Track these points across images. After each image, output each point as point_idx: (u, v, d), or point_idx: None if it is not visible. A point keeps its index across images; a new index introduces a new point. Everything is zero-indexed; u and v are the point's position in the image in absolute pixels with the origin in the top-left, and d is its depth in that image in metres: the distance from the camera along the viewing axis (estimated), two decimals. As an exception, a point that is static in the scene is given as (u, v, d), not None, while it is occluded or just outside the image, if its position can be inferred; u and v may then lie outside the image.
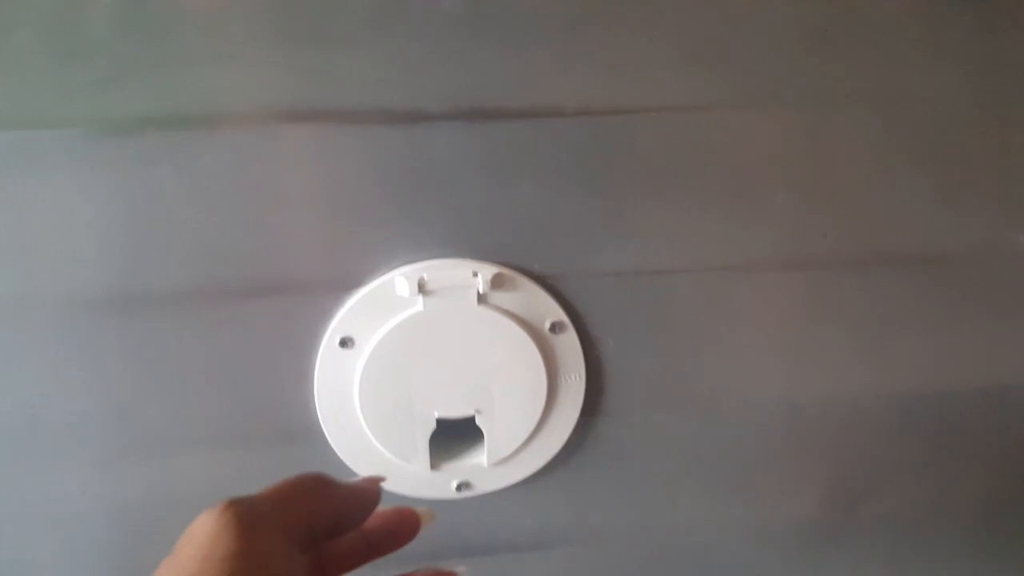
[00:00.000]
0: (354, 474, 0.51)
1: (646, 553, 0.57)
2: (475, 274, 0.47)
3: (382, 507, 0.34)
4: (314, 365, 0.48)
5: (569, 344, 0.50)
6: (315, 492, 0.30)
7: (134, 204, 0.43)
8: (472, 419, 0.50)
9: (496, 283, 0.47)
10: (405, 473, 0.51)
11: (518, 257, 0.48)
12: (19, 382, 0.46)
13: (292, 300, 0.47)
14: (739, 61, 0.45)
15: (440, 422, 0.50)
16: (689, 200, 0.49)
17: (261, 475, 0.50)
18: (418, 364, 0.48)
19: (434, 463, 0.51)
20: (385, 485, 0.51)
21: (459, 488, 0.52)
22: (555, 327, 0.50)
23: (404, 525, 0.35)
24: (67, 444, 0.47)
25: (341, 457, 0.50)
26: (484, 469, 0.52)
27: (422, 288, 0.46)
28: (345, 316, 0.47)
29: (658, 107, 0.46)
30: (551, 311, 0.49)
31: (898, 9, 0.46)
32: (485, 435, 0.50)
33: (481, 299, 0.47)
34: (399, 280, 0.46)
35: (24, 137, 0.41)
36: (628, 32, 0.44)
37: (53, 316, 0.44)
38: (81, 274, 0.44)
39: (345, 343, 0.48)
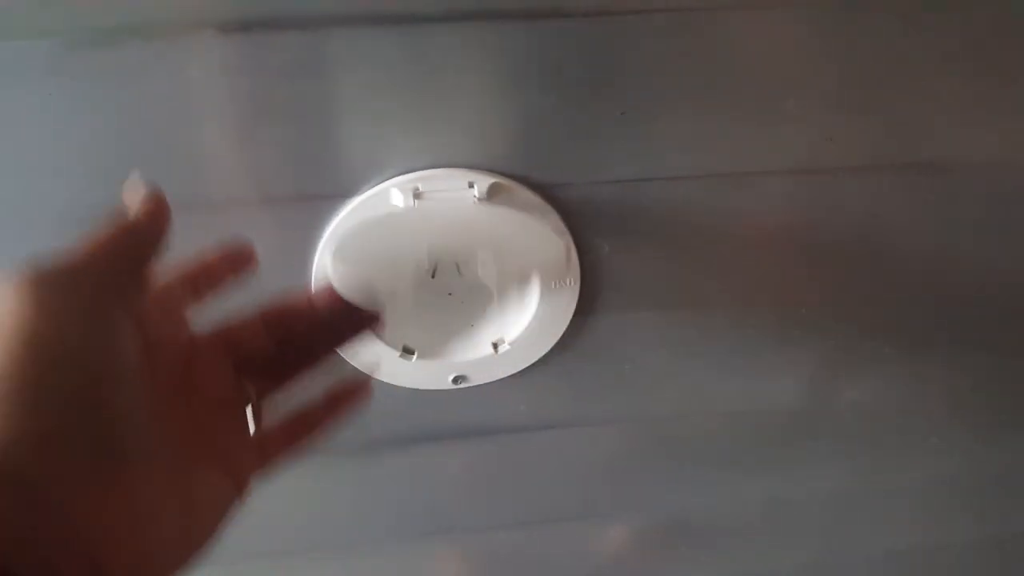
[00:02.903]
0: (356, 370, 0.53)
1: (634, 437, 0.60)
2: (471, 184, 0.46)
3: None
4: (310, 274, 0.48)
5: (564, 250, 0.50)
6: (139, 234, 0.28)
7: (121, 115, 0.41)
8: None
9: (492, 192, 0.47)
10: (406, 370, 0.53)
11: (517, 166, 0.47)
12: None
13: (283, 211, 0.46)
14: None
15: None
16: (695, 106, 0.47)
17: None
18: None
19: (429, 352, 0.53)
20: (389, 380, 0.54)
21: (456, 380, 0.54)
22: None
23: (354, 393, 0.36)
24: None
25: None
26: (479, 363, 0.54)
27: (417, 197, 0.46)
28: (338, 225, 0.47)
29: (674, 7, 0.43)
30: (548, 219, 0.49)
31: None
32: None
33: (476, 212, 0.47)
34: (393, 191, 0.46)
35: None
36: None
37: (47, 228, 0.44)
38: (71, 186, 0.43)
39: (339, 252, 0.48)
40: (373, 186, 0.46)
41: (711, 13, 0.44)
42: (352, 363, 0.51)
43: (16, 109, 0.41)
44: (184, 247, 0.45)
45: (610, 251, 0.51)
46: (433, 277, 0.56)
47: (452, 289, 0.57)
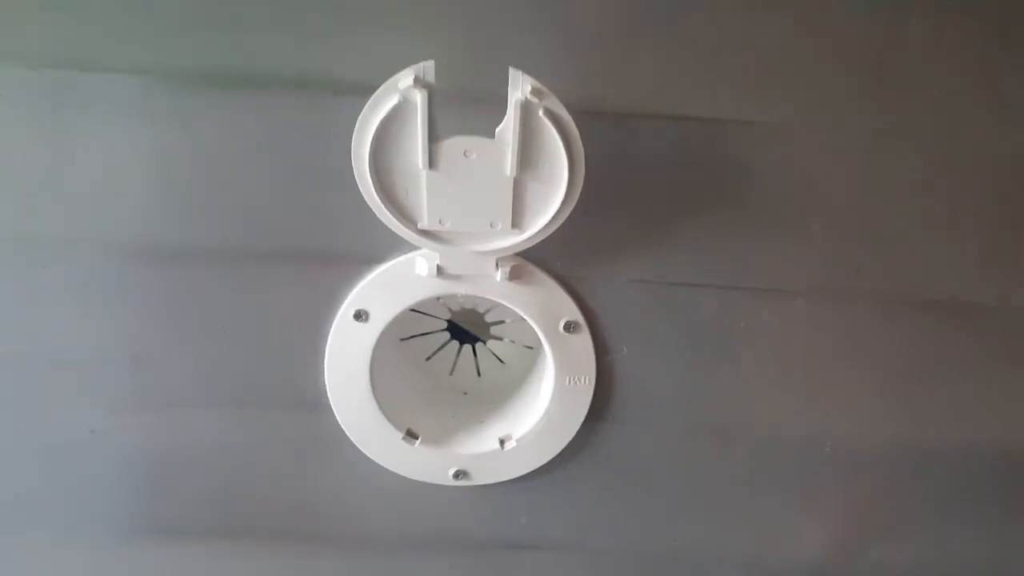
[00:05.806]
0: (358, 449, 0.51)
1: (637, 570, 0.56)
2: (496, 264, 0.47)
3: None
4: (328, 335, 0.49)
5: (582, 346, 0.50)
6: None
7: (178, 157, 0.44)
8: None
9: (514, 274, 0.48)
10: (406, 455, 0.51)
11: (538, 254, 0.48)
12: (46, 320, 0.48)
13: (315, 268, 0.47)
14: (785, 82, 0.45)
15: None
16: (721, 216, 0.48)
17: (271, 438, 0.51)
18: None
19: (433, 440, 0.52)
20: (387, 464, 0.52)
21: (457, 476, 0.52)
22: (569, 326, 0.49)
23: None
24: (83, 386, 0.49)
25: (346, 431, 0.51)
26: (483, 459, 0.52)
27: (440, 272, 0.47)
28: (363, 289, 0.48)
29: (697, 117, 0.46)
30: (567, 310, 0.49)
31: (956, 52, 0.44)
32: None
33: (498, 289, 0.48)
34: (419, 260, 0.47)
35: (80, 79, 0.43)
36: (677, 43, 0.44)
37: (86, 259, 0.46)
38: (119, 221, 0.45)
39: (359, 316, 0.48)
40: (402, 255, 0.48)
41: (746, 126, 0.46)
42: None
43: (85, 139, 0.44)
44: (217, 292, 0.47)
45: (628, 353, 0.51)
46: (451, 374, 0.56)
47: (468, 388, 0.57)
